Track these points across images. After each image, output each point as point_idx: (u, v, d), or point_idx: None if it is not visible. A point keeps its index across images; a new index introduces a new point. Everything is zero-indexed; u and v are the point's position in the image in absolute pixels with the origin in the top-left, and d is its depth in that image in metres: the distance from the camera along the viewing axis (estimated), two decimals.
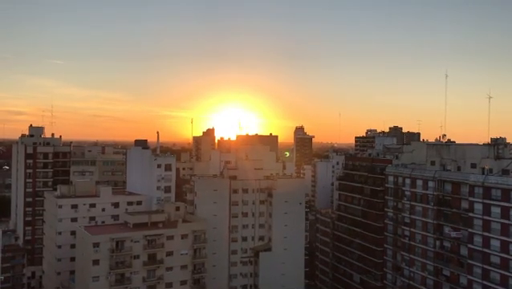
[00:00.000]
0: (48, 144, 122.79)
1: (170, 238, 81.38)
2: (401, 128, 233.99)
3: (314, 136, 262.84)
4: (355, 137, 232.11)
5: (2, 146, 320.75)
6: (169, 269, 79.70)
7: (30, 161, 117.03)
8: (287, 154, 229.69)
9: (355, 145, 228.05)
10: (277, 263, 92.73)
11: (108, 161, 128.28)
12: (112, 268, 74.33)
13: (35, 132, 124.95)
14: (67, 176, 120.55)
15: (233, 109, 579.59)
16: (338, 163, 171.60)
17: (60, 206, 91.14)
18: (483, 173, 76.11)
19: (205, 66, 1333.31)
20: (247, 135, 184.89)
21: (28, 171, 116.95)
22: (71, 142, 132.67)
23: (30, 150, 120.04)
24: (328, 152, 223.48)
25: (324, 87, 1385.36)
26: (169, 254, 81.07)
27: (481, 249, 72.99)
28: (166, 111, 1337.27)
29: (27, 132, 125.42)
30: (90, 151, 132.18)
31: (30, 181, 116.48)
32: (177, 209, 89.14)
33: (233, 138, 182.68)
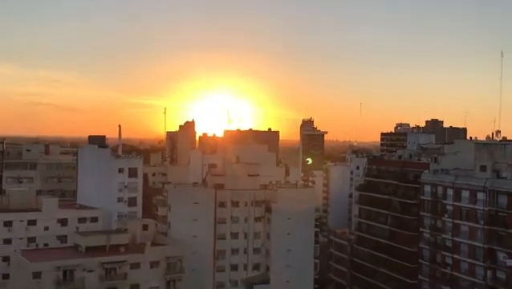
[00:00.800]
0: None
1: (135, 266, 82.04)
2: (442, 122, 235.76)
3: (326, 133, 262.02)
4: (381, 134, 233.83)
5: None
6: None
7: None
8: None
9: (381, 144, 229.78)
10: None
11: (53, 164, 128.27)
12: None
13: None
14: None
15: (220, 97, 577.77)
16: (358, 168, 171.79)
17: None
18: None
19: (186, 43, 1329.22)
20: (238, 130, 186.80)
21: None
22: (4, 139, 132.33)
23: None
24: (345, 154, 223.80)
25: (339, 70, 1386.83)
26: (134, 287, 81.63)
27: None
28: (132, 98, 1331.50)
29: None
30: (29, 150, 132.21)
31: None
32: (145, 228, 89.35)
33: (220, 134, 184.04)
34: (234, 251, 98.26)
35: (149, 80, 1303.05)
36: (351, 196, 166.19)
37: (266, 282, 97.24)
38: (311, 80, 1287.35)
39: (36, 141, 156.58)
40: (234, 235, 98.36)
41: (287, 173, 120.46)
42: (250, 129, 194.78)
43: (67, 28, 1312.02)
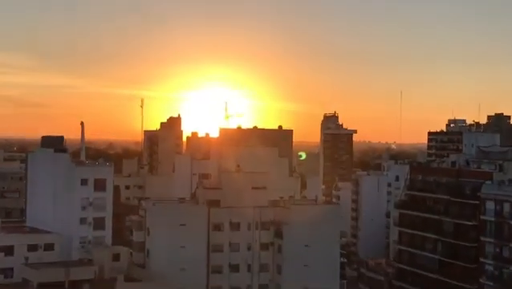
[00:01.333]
0: None
1: None
2: (509, 118, 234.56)
3: (355, 132, 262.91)
4: (429, 133, 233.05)
5: None
6: None
7: None
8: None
9: (429, 147, 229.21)
10: None
11: None
12: None
13: None
14: None
15: (216, 86, 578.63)
16: (398, 178, 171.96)
17: None
18: None
19: (172, 21, 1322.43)
20: (239, 128, 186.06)
21: None
22: None
23: None
24: (381, 160, 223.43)
25: (372, 48, 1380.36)
26: None
27: None
28: (100, 86, 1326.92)
29: None
30: None
31: None
32: (116, 257, 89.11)
33: (215, 134, 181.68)
34: None
35: (123, 64, 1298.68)
36: (388, 215, 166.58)
37: None
38: (334, 68, 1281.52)
39: None
40: (234, 268, 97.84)
41: (304, 186, 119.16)
42: (255, 127, 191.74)
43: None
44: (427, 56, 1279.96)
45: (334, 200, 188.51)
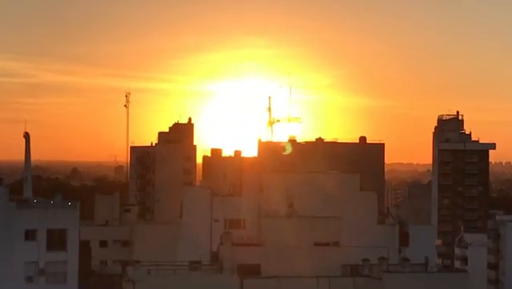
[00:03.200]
0: None
1: None
2: None
3: (494, 147, 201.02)
4: None
5: None
6: None
7: None
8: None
9: None
10: None
11: None
12: None
13: None
14: None
15: (250, 75, 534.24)
16: None
17: None
18: None
19: None
20: (293, 141, 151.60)
21: None
22: None
23: None
24: None
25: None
26: None
27: None
28: (68, 74, 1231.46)
29: None
30: None
31: None
32: None
33: (251, 151, 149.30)
34: None
35: (109, 44, 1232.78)
36: None
37: None
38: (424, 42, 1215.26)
39: None
40: None
41: (405, 239, 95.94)
42: (319, 139, 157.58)
43: None
44: None
45: (457, 263, 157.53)
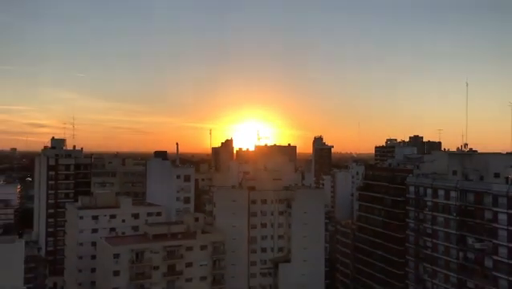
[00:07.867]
0: (70, 155, 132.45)
1: (189, 248, 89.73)
2: (422, 138, 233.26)
3: (333, 147, 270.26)
4: (375, 147, 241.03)
5: (26, 158, 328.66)
6: (189, 280, 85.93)
7: (52, 173, 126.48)
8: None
9: (375, 155, 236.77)
10: (296, 275, 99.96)
11: (128, 173, 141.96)
12: (132, 279, 76.95)
13: (57, 144, 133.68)
14: (88, 187, 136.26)
15: (251, 121, 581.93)
16: (358, 173, 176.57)
17: (81, 217, 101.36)
18: (507, 183, 75.31)
19: (224, 82, 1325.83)
20: (266, 145, 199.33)
21: (50, 183, 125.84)
22: (92, 154, 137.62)
23: (52, 162, 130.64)
24: (348, 163, 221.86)
25: (341, 98, 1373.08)
26: (189, 265, 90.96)
27: (506, 260, 72.63)
28: (187, 122, 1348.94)
29: (49, 145, 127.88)
30: (110, 162, 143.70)
31: (52, 192, 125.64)
32: (196, 220, 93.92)
33: (252, 149, 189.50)
34: (264, 237, 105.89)
35: (200, 109, 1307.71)
36: (352, 195, 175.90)
37: (288, 261, 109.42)
38: (321, 108, 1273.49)
39: (116, 156, 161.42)
40: (263, 225, 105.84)
41: (303, 178, 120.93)
42: (275, 144, 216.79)
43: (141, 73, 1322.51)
44: (377, 98, 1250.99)
45: (320, 186, 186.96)
